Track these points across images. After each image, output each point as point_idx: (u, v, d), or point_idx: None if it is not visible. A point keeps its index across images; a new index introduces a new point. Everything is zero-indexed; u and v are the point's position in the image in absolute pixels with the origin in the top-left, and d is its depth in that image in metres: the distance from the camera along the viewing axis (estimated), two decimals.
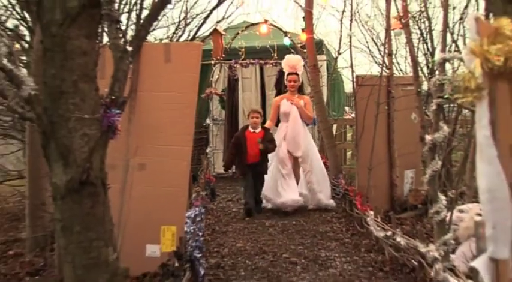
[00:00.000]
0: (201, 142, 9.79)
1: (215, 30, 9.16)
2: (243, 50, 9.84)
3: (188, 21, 8.44)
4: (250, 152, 7.02)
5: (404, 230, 5.26)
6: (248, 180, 7.14)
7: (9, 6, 5.91)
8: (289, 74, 7.53)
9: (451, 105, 5.81)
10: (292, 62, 7.56)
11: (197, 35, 8.65)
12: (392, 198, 6.54)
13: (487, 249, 1.70)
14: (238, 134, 7.27)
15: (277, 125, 7.88)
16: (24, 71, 2.56)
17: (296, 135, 7.40)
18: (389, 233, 4.64)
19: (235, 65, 9.87)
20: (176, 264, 2.83)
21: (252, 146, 7.01)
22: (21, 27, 5.90)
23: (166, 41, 8.30)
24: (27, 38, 5.83)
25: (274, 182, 7.38)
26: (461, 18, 5.59)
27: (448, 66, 3.97)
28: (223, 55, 9.77)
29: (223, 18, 8.95)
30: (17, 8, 5.85)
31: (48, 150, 2.48)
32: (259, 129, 7.13)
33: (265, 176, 7.35)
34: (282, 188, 7.28)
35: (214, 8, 8.08)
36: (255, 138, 7.01)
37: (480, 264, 1.72)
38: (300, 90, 7.78)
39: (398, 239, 4.41)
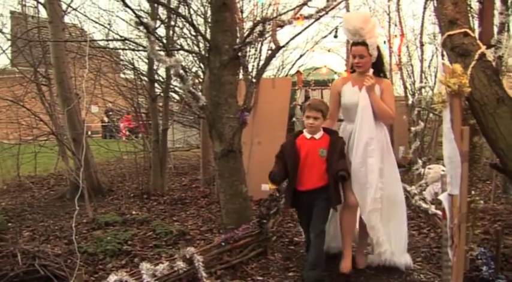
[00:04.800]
0: (290, 131, 12.81)
1: (298, 71, 13.79)
2: (313, 81, 14.19)
3: (284, 66, 13.37)
4: (306, 172, 4.08)
5: None
6: (302, 218, 4.32)
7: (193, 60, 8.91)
8: (352, 44, 4.26)
9: (424, 111, 8.95)
10: (353, 22, 4.15)
11: (289, 73, 13.66)
12: None
13: (447, 189, 3.19)
14: (285, 143, 4.32)
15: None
16: (199, 93, 4.77)
17: (366, 148, 4.12)
18: None
19: (308, 89, 14.63)
20: (277, 194, 4.80)
21: (309, 161, 4.08)
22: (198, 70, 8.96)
23: (272, 76, 12.68)
24: (201, 75, 8.72)
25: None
26: (429, 66, 9.60)
27: (422, 90, 8.52)
28: (302, 84, 13.94)
29: (301, 65, 13.90)
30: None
31: (211, 133, 4.70)
32: (320, 134, 4.14)
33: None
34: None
35: (297, 59, 13.14)
36: (316, 148, 4.08)
37: (443, 197, 3.25)
38: (378, 71, 4.33)
39: None
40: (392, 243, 4.21)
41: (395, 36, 9.21)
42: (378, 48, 4.31)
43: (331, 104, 4.42)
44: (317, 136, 4.15)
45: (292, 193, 4.12)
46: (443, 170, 5.07)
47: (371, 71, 4.30)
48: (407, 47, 9.72)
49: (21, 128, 9.25)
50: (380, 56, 4.33)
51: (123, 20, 8.67)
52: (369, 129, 4.15)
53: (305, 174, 4.08)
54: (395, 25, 9.17)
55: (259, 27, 4.79)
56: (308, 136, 4.16)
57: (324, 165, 4.04)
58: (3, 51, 8.49)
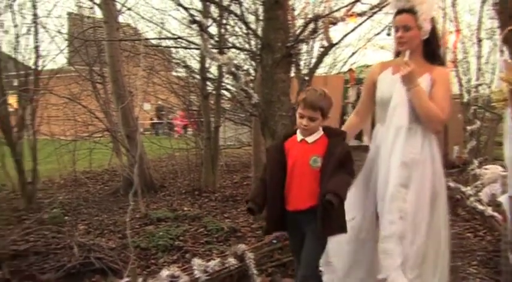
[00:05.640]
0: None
1: (350, 69, 13.48)
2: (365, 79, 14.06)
3: (336, 63, 13.23)
4: (294, 186, 2.97)
5: (453, 178, 7.16)
6: (295, 245, 3.13)
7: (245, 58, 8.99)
8: (396, 13, 3.17)
9: (481, 110, 8.73)
10: None
11: (341, 71, 13.36)
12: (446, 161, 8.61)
13: (508, 191, 3.19)
14: (270, 146, 3.66)
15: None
16: (252, 91, 4.79)
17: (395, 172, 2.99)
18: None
19: (360, 87, 13.93)
20: None
21: (297, 173, 2.96)
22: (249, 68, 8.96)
23: (324, 74, 12.69)
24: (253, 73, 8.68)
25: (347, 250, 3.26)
26: (486, 63, 9.09)
27: (479, 88, 8.10)
28: (354, 81, 12.93)
29: (354, 63, 13.72)
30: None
31: (264, 131, 4.70)
32: (315, 137, 2.99)
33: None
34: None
35: (349, 57, 12.89)
36: (306, 156, 2.96)
37: (503, 199, 3.24)
38: (430, 53, 3.18)
39: (449, 183, 5.94)
40: None
41: (451, 32, 8.99)
42: (433, 21, 3.16)
43: (362, 97, 3.49)
44: (310, 139, 2.95)
45: (275, 213, 2.97)
46: (502, 171, 4.93)
47: (407, 54, 3.06)
48: (463, 43, 9.51)
49: (77, 125, 9.52)
50: (434, 33, 3.16)
51: (176, 18, 8.79)
52: (402, 141, 2.97)
53: (292, 189, 2.93)
54: (451, 21, 8.95)
55: (311, 25, 4.77)
56: (299, 138, 2.99)
57: (317, 179, 2.85)
58: (61, 51, 8.76)
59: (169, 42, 8.53)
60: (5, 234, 5.05)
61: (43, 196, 7.60)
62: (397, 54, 3.26)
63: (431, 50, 3.16)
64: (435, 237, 3.02)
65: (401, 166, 2.92)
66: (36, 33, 7.23)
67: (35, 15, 7.25)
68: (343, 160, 2.86)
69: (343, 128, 3.46)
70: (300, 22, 7.26)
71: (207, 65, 8.18)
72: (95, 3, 8.98)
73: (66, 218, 6.16)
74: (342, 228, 2.96)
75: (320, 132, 3.00)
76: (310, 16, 6.23)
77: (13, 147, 6.62)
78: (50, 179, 9.27)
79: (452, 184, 6.10)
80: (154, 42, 8.79)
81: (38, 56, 7.22)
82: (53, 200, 7.19)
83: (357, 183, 3.18)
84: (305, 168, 2.91)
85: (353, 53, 12.77)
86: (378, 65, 3.42)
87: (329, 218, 2.83)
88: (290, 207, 2.97)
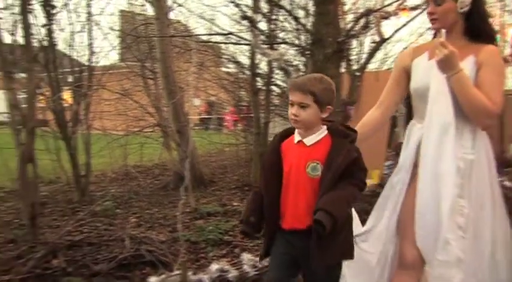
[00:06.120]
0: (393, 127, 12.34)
1: None
2: None
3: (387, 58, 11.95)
4: (289, 198, 2.36)
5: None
6: (278, 273, 2.42)
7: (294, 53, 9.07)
8: None
9: None
10: None
11: (392, 66, 12.38)
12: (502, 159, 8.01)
13: None
14: (265, 151, 3.33)
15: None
16: None
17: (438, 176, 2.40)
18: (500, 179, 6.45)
19: None
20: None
21: (293, 182, 2.35)
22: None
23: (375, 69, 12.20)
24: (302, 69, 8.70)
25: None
26: None
27: None
28: None
29: None
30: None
31: None
32: (316, 137, 2.36)
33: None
34: None
35: (400, 53, 11.86)
36: (303, 161, 2.34)
37: None
38: (475, 30, 2.52)
39: (505, 182, 5.81)
40: None
41: (510, 24, 8.71)
42: None
43: (388, 86, 2.85)
44: (308, 140, 2.35)
45: (274, 229, 2.41)
46: None
47: (443, 33, 2.48)
48: None
49: (128, 120, 9.69)
50: (477, 3, 2.51)
51: (225, 14, 8.86)
52: (451, 142, 2.38)
53: (288, 202, 2.35)
54: (510, 13, 8.67)
55: (363, 19, 4.71)
56: (296, 139, 2.39)
57: (317, 190, 2.27)
58: (114, 47, 8.95)
59: (220, 38, 8.58)
60: (61, 225, 5.21)
61: (95, 189, 7.78)
62: (435, 35, 2.64)
63: (474, 26, 2.51)
64: (503, 252, 2.49)
65: (457, 173, 2.36)
66: (90, 30, 7.42)
67: (89, 13, 7.43)
68: (349, 168, 2.25)
69: (358, 125, 2.78)
70: (350, 17, 7.20)
71: (256, 61, 8.19)
72: (147, 0, 9.13)
73: (118, 210, 6.28)
74: (344, 255, 2.37)
75: (322, 132, 2.36)
76: (361, 10, 6.15)
77: (68, 141, 6.80)
78: (102, 172, 9.48)
79: (509, 183, 5.90)
80: (204, 38, 8.86)
81: (91, 53, 7.40)
82: (105, 193, 7.37)
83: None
84: (302, 177, 2.32)
85: (405, 48, 12.60)
86: (410, 48, 2.89)
87: (326, 242, 2.23)
88: (285, 224, 2.36)
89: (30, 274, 3.92)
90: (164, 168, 10.07)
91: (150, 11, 9.42)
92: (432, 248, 2.38)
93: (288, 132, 2.47)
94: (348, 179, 2.26)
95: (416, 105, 2.67)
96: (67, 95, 7.76)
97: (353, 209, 2.49)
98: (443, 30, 2.50)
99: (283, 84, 8.71)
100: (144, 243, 4.45)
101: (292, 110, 2.34)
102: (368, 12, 4.68)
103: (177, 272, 3.76)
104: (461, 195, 2.38)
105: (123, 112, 9.69)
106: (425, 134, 2.47)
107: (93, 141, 7.46)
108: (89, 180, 7.25)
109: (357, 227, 2.60)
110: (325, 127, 2.37)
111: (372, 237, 2.69)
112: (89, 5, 7.40)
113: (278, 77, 8.15)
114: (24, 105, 5.02)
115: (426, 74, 2.51)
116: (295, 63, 9.04)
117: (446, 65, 2.36)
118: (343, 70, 5.05)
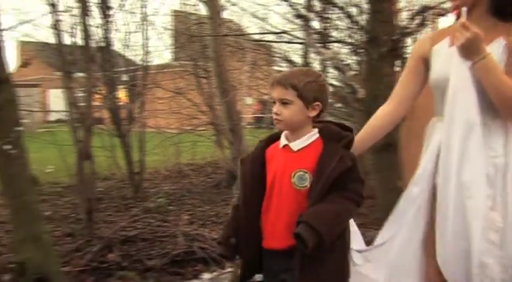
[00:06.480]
0: None
1: None
2: None
3: None
4: (271, 213, 1.99)
5: None
6: None
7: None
8: None
9: None
10: None
11: None
12: None
13: None
14: (245, 157, 2.16)
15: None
16: (357, 85, 4.74)
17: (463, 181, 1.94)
18: None
19: None
20: None
21: (276, 193, 1.98)
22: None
23: None
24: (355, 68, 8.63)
25: None
26: None
27: None
28: None
29: None
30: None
31: None
32: (305, 142, 2.00)
33: None
34: None
35: None
36: (288, 169, 1.97)
37: None
38: (504, 10, 2.04)
39: None
40: None
41: None
42: None
43: (402, 78, 2.40)
44: (295, 144, 1.99)
45: (252, 250, 2.04)
46: None
47: (463, 12, 1.99)
48: None
49: (181, 118, 9.83)
50: None
51: (278, 13, 8.85)
52: (478, 144, 1.97)
53: (269, 218, 1.99)
54: None
55: (418, 17, 4.61)
56: (282, 143, 2.03)
57: (303, 205, 1.90)
58: (167, 47, 9.10)
59: (272, 37, 8.58)
60: (115, 220, 5.33)
61: (149, 186, 7.91)
62: (458, 17, 2.10)
63: (503, 1, 2.07)
64: None
65: (485, 182, 1.96)
66: (144, 30, 7.57)
67: (144, 13, 7.59)
68: (342, 179, 1.90)
69: (365, 126, 2.37)
70: (405, 14, 7.06)
71: (309, 60, 8.14)
72: (201, 0, 9.22)
73: (171, 207, 6.37)
74: (337, 278, 1.98)
75: (313, 135, 2.01)
76: (416, 7, 6.02)
77: (123, 139, 6.97)
78: (156, 170, 9.64)
79: None
80: (257, 37, 8.88)
81: (146, 52, 7.56)
82: (158, 190, 7.49)
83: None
84: (286, 188, 1.95)
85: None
86: (428, 35, 2.43)
87: (311, 265, 1.87)
88: (265, 243, 2.01)
89: (87, 267, 4.05)
90: (217, 167, 10.14)
91: (203, 10, 9.53)
92: (461, 276, 1.97)
93: (275, 137, 2.09)
94: (340, 192, 1.90)
95: (436, 100, 2.22)
96: (122, 94, 7.94)
97: (354, 224, 2.16)
98: (464, 9, 2.02)
99: (336, 84, 8.65)
100: (197, 240, 4.50)
101: (274, 109, 1.98)
102: (424, 9, 4.56)
103: (229, 269, 3.79)
104: (494, 208, 1.96)
105: (177, 110, 9.82)
106: (445, 134, 2.04)
107: (147, 139, 7.62)
108: (143, 177, 7.40)
109: (358, 244, 2.20)
110: (316, 130, 2.02)
111: (378, 255, 2.20)
112: (143, 6, 7.55)
113: (331, 76, 8.09)
114: (82, 104, 5.18)
115: (447, 63, 2.09)
116: (348, 62, 8.98)
117: (469, 50, 1.95)
118: (397, 69, 4.95)
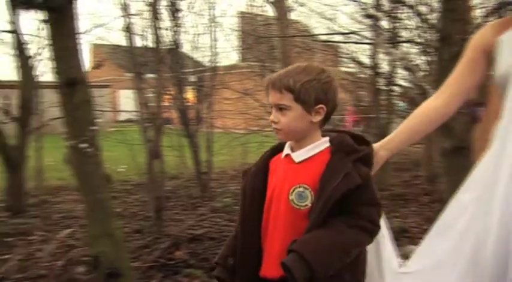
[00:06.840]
0: None
1: None
2: None
3: None
4: (268, 234, 1.68)
5: None
6: None
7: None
8: None
9: None
10: None
11: None
12: None
13: None
14: (247, 169, 1.85)
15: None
16: (428, 86, 4.62)
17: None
18: None
19: None
20: None
21: (273, 212, 1.67)
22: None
23: None
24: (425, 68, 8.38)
25: None
26: None
27: None
28: None
29: None
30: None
31: (439, 128, 4.49)
32: (310, 152, 1.67)
33: None
34: None
35: None
36: (286, 185, 1.64)
37: None
38: None
39: None
40: None
41: None
42: None
43: (456, 70, 2.14)
44: (298, 155, 1.69)
45: (248, 274, 1.72)
46: None
47: None
48: None
49: (249, 119, 9.89)
50: None
51: (345, 13, 8.77)
52: None
53: (267, 240, 1.70)
54: None
55: (494, 14, 4.45)
56: (285, 152, 1.73)
57: (302, 227, 1.59)
58: (235, 48, 9.19)
59: (340, 38, 8.52)
60: (183, 219, 5.43)
61: (216, 186, 8.00)
62: None
63: None
64: None
65: None
66: (212, 32, 7.69)
67: (212, 15, 7.71)
68: (348, 200, 1.56)
69: (404, 122, 2.06)
70: (479, 11, 6.82)
71: (378, 61, 8.03)
72: (268, 1, 9.27)
73: (237, 207, 6.41)
74: None
75: (320, 145, 1.69)
76: (492, 4, 5.80)
77: (191, 139, 7.09)
78: (223, 170, 9.74)
79: None
80: (324, 37, 8.83)
81: (214, 54, 7.67)
82: (225, 190, 7.56)
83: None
84: (283, 206, 1.65)
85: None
86: (491, 25, 2.04)
87: None
88: (261, 269, 1.70)
89: (155, 263, 4.14)
90: None
91: (270, 12, 9.57)
92: None
93: (283, 146, 1.76)
94: (348, 217, 1.57)
95: (502, 98, 1.90)
96: (191, 95, 8.08)
97: (385, 227, 1.80)
98: None
99: (405, 84, 8.47)
100: None
101: (271, 116, 1.68)
102: (501, 5, 4.38)
103: None
104: None
105: (244, 111, 9.89)
106: (510, 133, 1.80)
107: (214, 139, 7.71)
108: (210, 176, 7.49)
109: (391, 260, 1.87)
110: (326, 139, 1.70)
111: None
112: (211, 8, 7.66)
113: (400, 76, 7.94)
114: (152, 104, 5.31)
115: None
116: (417, 62, 8.76)
117: None
118: None
